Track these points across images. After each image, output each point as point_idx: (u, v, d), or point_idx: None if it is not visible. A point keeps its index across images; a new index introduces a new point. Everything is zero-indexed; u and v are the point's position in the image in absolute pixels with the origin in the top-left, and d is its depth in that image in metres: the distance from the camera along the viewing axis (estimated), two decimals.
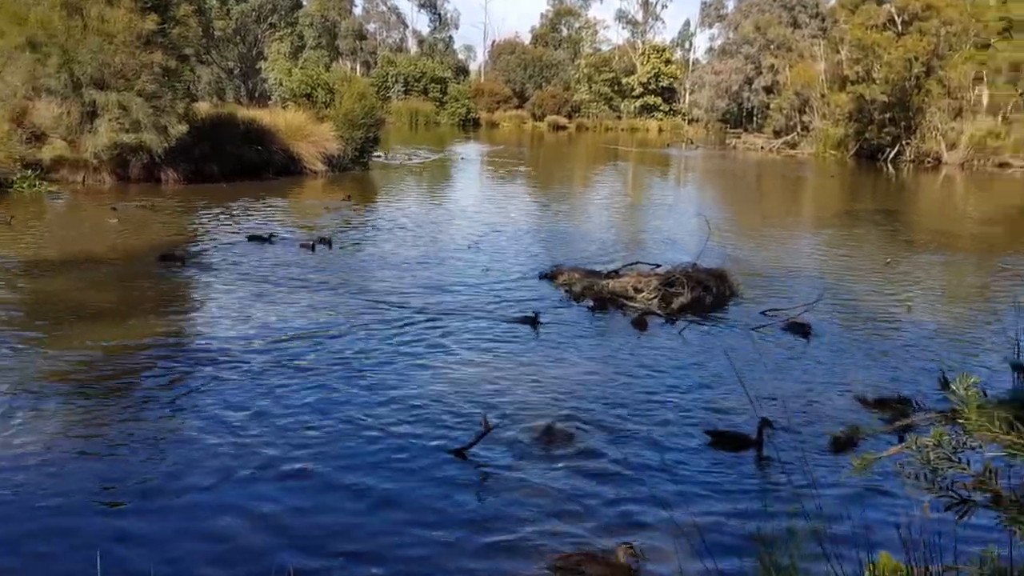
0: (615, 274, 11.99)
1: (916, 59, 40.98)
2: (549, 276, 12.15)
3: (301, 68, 38.28)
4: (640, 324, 9.98)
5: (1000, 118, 40.12)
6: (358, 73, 76.56)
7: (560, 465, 6.01)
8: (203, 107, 30.49)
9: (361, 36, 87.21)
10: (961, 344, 9.55)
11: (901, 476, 2.69)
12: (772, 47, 58.73)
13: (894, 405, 7.01)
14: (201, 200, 18.98)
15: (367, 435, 6.41)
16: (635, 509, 5.40)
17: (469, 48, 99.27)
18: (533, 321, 9.71)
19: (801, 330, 9.61)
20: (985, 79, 40.24)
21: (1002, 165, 39.02)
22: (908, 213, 23.95)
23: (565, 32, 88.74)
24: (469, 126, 69.58)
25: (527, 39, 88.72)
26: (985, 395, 3.16)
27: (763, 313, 10.48)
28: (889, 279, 13.28)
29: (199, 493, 5.44)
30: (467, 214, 19.09)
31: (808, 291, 11.59)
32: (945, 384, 2.96)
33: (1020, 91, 39.79)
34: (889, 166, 40.84)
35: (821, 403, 7.37)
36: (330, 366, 7.95)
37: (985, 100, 40.37)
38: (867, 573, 2.92)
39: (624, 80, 77.33)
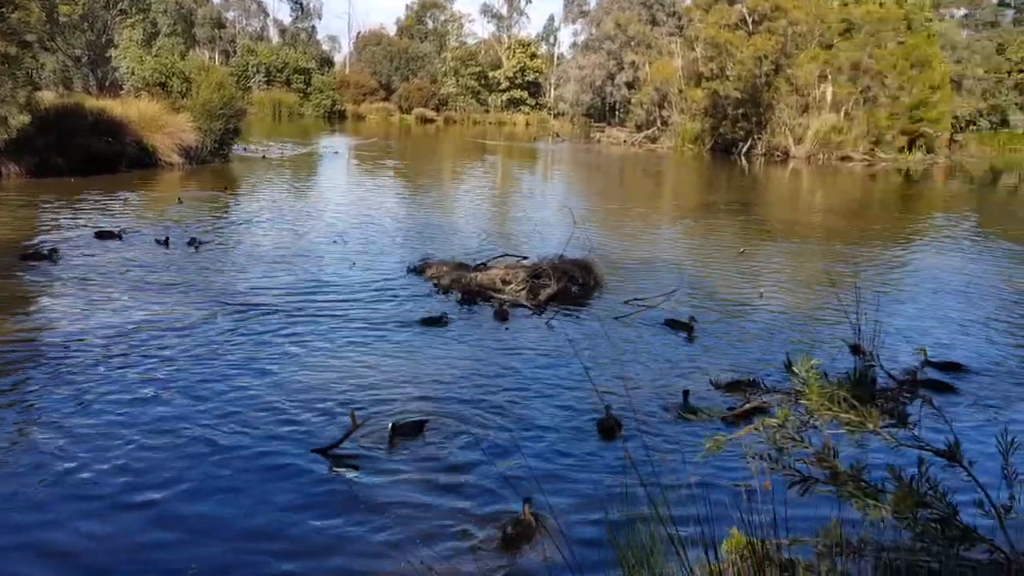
0: (484, 267, 12.05)
1: (766, 57, 43.02)
2: (417, 270, 12.09)
3: (155, 56, 36.51)
4: (502, 315, 10.03)
5: (842, 114, 42.68)
6: (217, 62, 73.75)
7: (424, 457, 6.00)
8: (48, 96, 28.67)
9: (219, 24, 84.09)
10: (809, 327, 10.13)
11: (748, 456, 2.83)
12: (633, 44, 60.33)
13: (744, 388, 7.37)
14: (46, 195, 17.82)
15: (227, 439, 6.19)
16: (499, 495, 5.45)
17: (333, 39, 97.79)
18: (439, 321, 9.61)
19: (684, 328, 9.63)
20: (829, 77, 42.69)
21: (844, 159, 41.57)
22: (760, 204, 25.16)
23: (431, 25, 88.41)
24: (335, 118, 68.28)
25: (392, 31, 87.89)
26: (826, 376, 3.36)
27: (627, 303, 10.78)
28: (743, 267, 13.91)
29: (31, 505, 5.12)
30: (333, 208, 18.74)
31: (669, 280, 12.00)
32: (789, 366, 3.11)
33: (860, 89, 42.45)
34: (743, 159, 42.76)
35: (676, 388, 7.63)
36: (183, 368, 7.63)
37: (829, 97, 42.83)
38: (719, 550, 3.04)
39: (491, 74, 77.73)
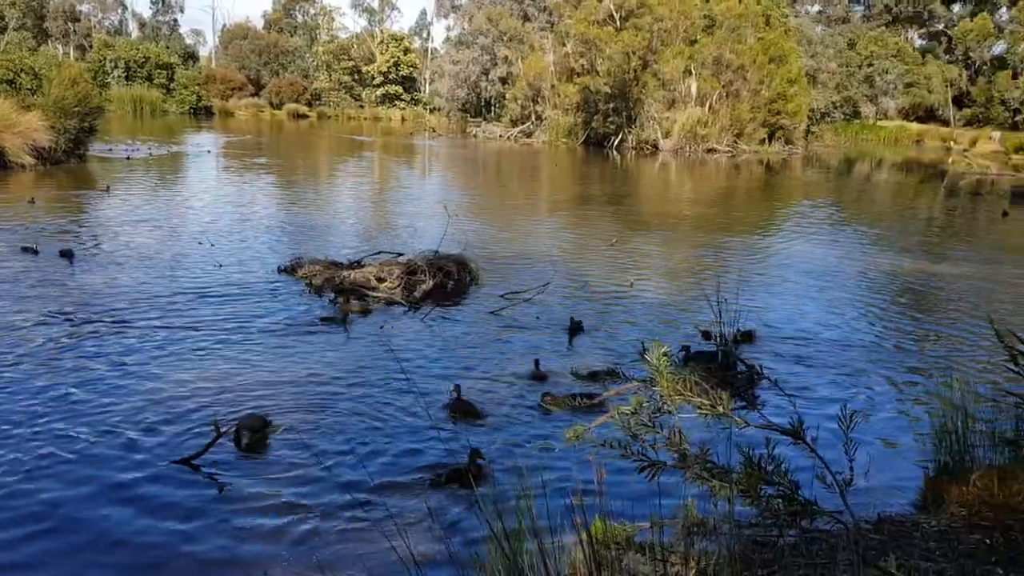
0: (358, 265, 11.89)
1: (634, 53, 44.16)
2: (288, 270, 11.82)
3: (2, 52, 34.32)
4: (344, 316, 9.74)
5: (707, 108, 44.28)
6: (71, 58, 70.00)
7: (287, 460, 5.88)
8: None
9: (73, 18, 79.80)
10: (677, 315, 10.49)
11: (602, 444, 2.90)
12: (505, 39, 60.70)
13: (604, 377, 7.57)
14: None
15: (84, 450, 5.89)
16: (360, 498, 5.40)
17: (198, 33, 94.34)
18: (342, 320, 9.44)
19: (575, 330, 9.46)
20: (693, 72, 44.18)
21: (710, 151, 43.19)
22: (631, 196, 25.82)
23: (300, 18, 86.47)
24: (201, 115, 65.85)
25: (260, 24, 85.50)
26: (693, 360, 3.51)
27: (503, 296, 10.86)
28: (615, 258, 14.26)
29: None
30: (200, 209, 18.07)
31: (544, 273, 12.16)
32: (643, 354, 3.21)
33: (723, 83, 44.12)
34: (614, 153, 43.77)
35: (544, 379, 7.76)
36: (37, 378, 7.21)
37: (694, 91, 44.35)
38: (583, 536, 3.11)
39: (364, 69, 76.68)
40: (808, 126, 52.29)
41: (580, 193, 25.71)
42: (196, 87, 68.25)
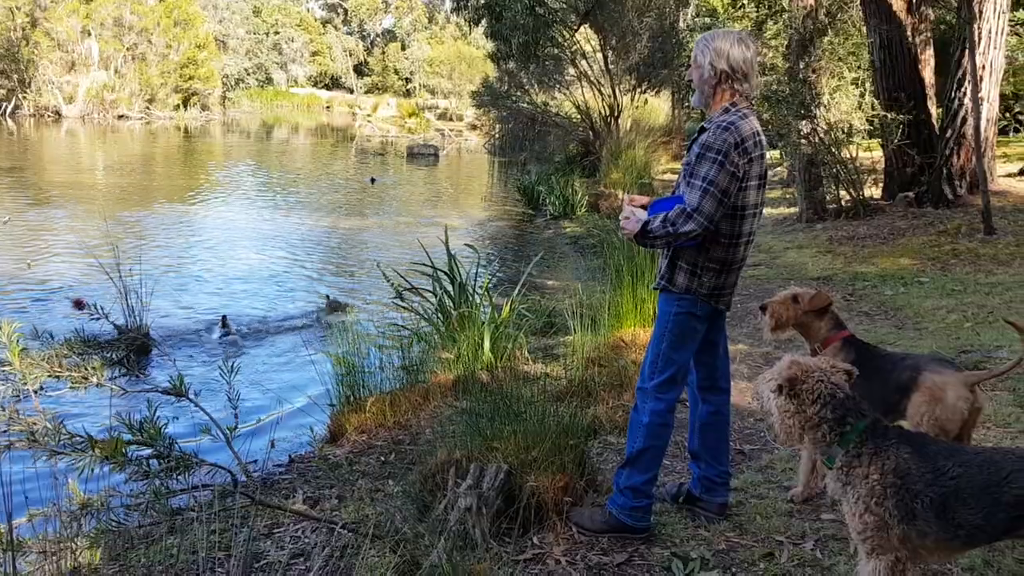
0: None
1: (19, 9, 39.10)
2: None
3: None
4: None
5: (113, 72, 41.32)
6: None
7: None
8: None
9: None
10: (78, 292, 9.69)
11: None
12: None
13: None
14: None
15: None
16: None
17: None
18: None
19: None
20: (92, 33, 40.73)
21: (121, 117, 40.53)
22: (31, 169, 22.98)
23: None
24: None
25: None
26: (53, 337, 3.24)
27: None
28: (10, 237, 12.65)
29: None
30: None
31: None
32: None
33: (128, 46, 41.52)
34: (8, 121, 38.49)
35: None
36: None
37: (96, 54, 40.97)
38: None
39: None
40: (224, 92, 52.13)
41: None
42: None
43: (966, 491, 2.44)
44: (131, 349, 6.88)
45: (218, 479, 3.24)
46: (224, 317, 8.50)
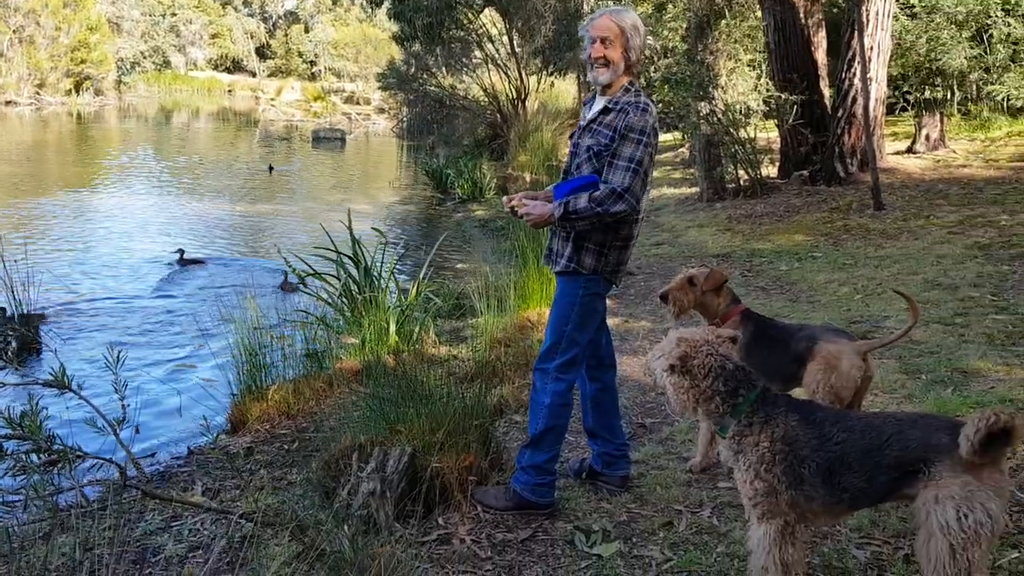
0: None
1: None
2: None
3: None
4: None
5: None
6: None
7: None
8: None
9: None
10: None
11: None
12: None
13: None
14: None
15: None
16: None
17: None
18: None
19: None
20: None
21: (9, 103, 38.58)
22: None
23: None
24: None
25: None
26: None
27: None
28: None
29: None
30: None
31: None
32: None
33: (14, 28, 39.49)
34: None
35: None
36: None
37: None
38: None
39: None
40: (119, 76, 50.12)
41: None
42: None
43: (850, 455, 2.54)
44: (18, 341, 6.60)
45: (114, 473, 3.14)
46: (181, 250, 10.38)
